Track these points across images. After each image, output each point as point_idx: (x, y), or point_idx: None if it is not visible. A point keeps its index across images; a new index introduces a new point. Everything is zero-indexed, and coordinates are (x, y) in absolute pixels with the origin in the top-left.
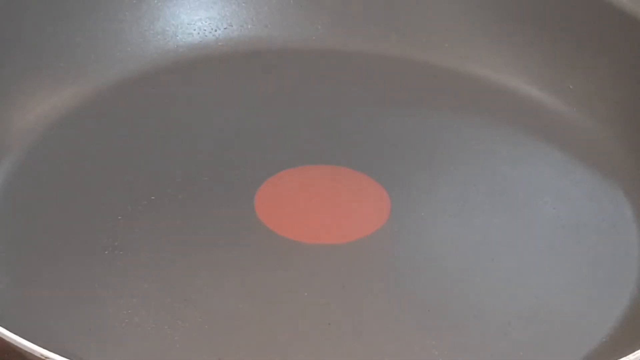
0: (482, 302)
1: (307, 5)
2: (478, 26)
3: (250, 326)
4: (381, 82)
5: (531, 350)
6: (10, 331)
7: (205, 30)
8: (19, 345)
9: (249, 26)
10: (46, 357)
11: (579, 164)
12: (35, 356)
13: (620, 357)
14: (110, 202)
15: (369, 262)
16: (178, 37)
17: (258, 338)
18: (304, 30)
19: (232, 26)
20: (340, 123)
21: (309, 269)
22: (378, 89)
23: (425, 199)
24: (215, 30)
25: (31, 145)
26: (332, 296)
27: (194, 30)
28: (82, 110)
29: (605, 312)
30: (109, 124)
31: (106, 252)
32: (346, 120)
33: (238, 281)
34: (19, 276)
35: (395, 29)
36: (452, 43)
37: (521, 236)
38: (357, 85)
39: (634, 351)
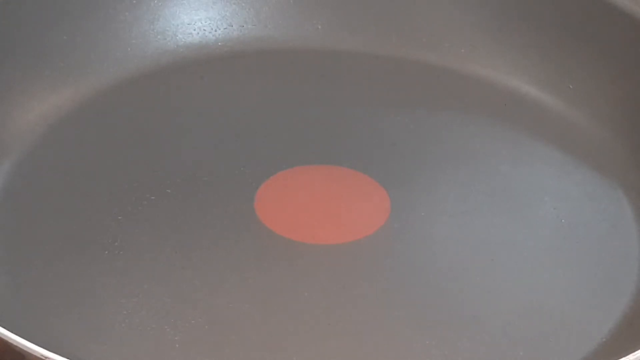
0: (482, 301)
1: (307, 5)
2: (478, 26)
3: (250, 326)
4: (381, 82)
5: (531, 350)
6: (10, 331)
7: (205, 30)
8: (19, 345)
9: (249, 26)
10: (46, 357)
11: (579, 164)
12: (35, 356)
13: (620, 357)
14: (110, 202)
15: (369, 262)
16: (178, 37)
17: (258, 338)
18: (304, 30)
19: (232, 26)
20: (340, 123)
21: (309, 269)
22: (378, 89)
23: (425, 199)
24: (215, 30)
25: (31, 145)
26: (332, 296)
27: (194, 30)
28: (82, 110)
29: (605, 312)
30: (109, 124)
31: (106, 252)
32: (346, 120)
33: (238, 281)
34: (19, 276)
35: (395, 29)
36: (452, 43)
37: (521, 236)
38: (357, 85)
39: (634, 351)
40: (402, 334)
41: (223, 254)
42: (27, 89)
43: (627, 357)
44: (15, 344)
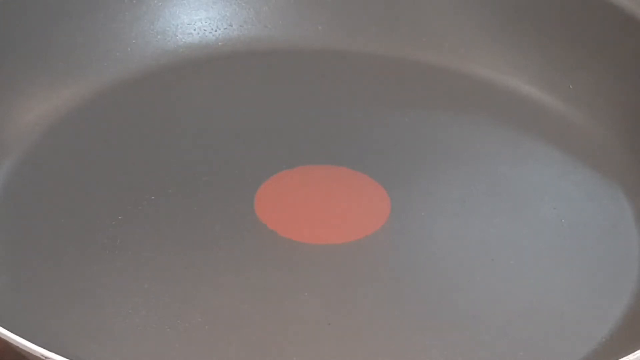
0: (482, 302)
1: (307, 5)
2: (478, 26)
3: (250, 326)
4: (381, 82)
5: (531, 350)
6: (10, 331)
7: (205, 30)
8: (19, 345)
9: (249, 26)
10: (46, 357)
11: (579, 164)
12: (35, 356)
13: (620, 357)
14: (110, 202)
15: (369, 262)
16: (178, 37)
17: (258, 338)
18: (304, 30)
19: (232, 26)
20: (340, 123)
21: (309, 269)
22: (378, 89)
23: (425, 199)
24: (215, 30)
25: (31, 145)
26: (332, 296)
27: (194, 30)
28: (82, 111)
29: (605, 312)
30: (109, 124)
31: (106, 252)
32: (346, 120)
33: (238, 281)
34: (19, 276)
35: (395, 29)
36: (452, 43)
37: (521, 236)
38: (357, 85)
39: (634, 351)
40: (402, 334)
41: (223, 254)
42: (27, 89)
43: (627, 357)
44: (15, 344)
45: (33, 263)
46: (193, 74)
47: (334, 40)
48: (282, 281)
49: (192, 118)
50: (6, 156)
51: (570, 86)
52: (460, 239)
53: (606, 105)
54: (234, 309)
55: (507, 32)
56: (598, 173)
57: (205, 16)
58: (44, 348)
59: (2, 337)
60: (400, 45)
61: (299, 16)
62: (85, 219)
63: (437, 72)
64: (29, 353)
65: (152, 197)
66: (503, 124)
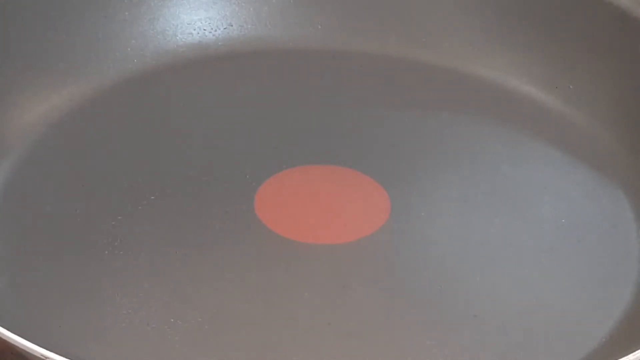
0: (482, 302)
1: (307, 5)
2: (478, 26)
3: (250, 326)
4: (381, 82)
5: (531, 350)
6: (10, 331)
7: (205, 30)
8: (19, 345)
9: (249, 26)
10: (46, 357)
11: (579, 164)
12: (35, 356)
13: (620, 357)
14: (110, 202)
15: (369, 262)
16: (178, 37)
17: (258, 338)
18: (304, 30)
19: (232, 26)
20: (340, 123)
21: (309, 269)
22: (378, 89)
23: (425, 199)
24: (215, 30)
25: (31, 145)
26: (332, 296)
27: (194, 30)
28: (82, 110)
29: (605, 312)
30: (109, 124)
31: (106, 252)
32: (346, 120)
33: (238, 281)
34: (19, 276)
35: (395, 29)
36: (452, 43)
37: (521, 236)
38: (357, 85)
39: (634, 351)
40: (402, 334)
41: (223, 254)
42: (27, 89)
43: (627, 357)
44: (15, 344)
45: (33, 263)
46: (193, 74)
47: (334, 40)
48: (282, 281)
49: (192, 118)
50: (6, 156)
51: (570, 86)
52: (460, 239)
53: (606, 105)
54: (234, 309)
55: (507, 32)
56: (598, 173)
57: (205, 16)
58: (44, 348)
59: (2, 337)
60: (400, 45)
61: (299, 16)
62: (85, 219)
63: (437, 72)
64: (29, 353)
65: (152, 197)
66: (503, 124)
